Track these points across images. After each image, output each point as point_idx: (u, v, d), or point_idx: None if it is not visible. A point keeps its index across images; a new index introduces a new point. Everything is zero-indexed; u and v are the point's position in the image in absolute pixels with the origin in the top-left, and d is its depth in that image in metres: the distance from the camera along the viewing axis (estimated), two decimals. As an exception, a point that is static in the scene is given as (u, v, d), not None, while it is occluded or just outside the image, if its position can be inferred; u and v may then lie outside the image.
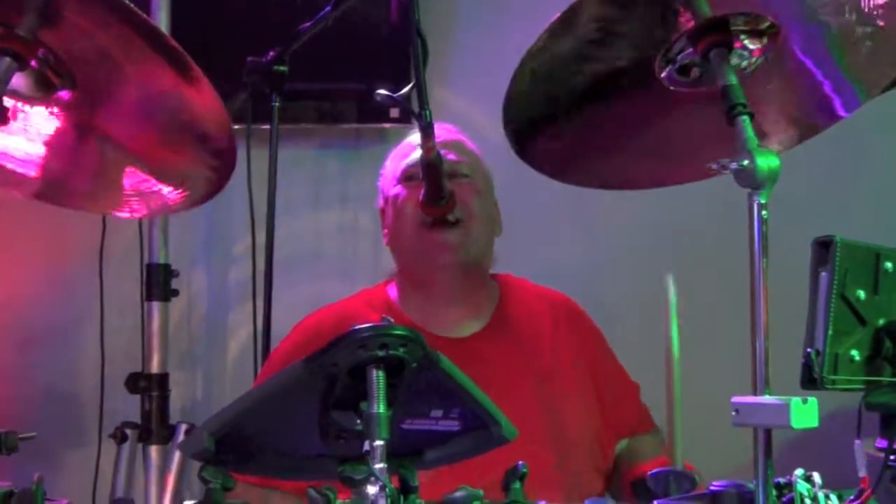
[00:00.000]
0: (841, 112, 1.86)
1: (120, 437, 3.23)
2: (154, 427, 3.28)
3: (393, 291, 2.66)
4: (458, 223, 2.50)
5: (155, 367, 3.33)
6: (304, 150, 3.56)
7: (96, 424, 3.38)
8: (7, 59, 1.59)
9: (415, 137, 2.46)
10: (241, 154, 3.11)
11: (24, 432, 1.63)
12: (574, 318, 2.67)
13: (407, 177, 2.57)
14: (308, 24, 2.87)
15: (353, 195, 3.60)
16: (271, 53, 3.01)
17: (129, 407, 3.30)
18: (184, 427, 3.24)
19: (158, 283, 3.35)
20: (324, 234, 3.61)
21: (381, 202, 2.68)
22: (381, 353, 1.48)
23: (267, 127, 3.05)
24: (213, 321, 3.57)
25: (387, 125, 3.55)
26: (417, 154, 2.43)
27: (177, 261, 3.38)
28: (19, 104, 1.76)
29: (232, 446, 1.56)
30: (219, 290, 3.57)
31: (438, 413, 1.61)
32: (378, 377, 1.48)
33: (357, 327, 1.48)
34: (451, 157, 2.55)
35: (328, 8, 2.77)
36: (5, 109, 1.61)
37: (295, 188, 3.45)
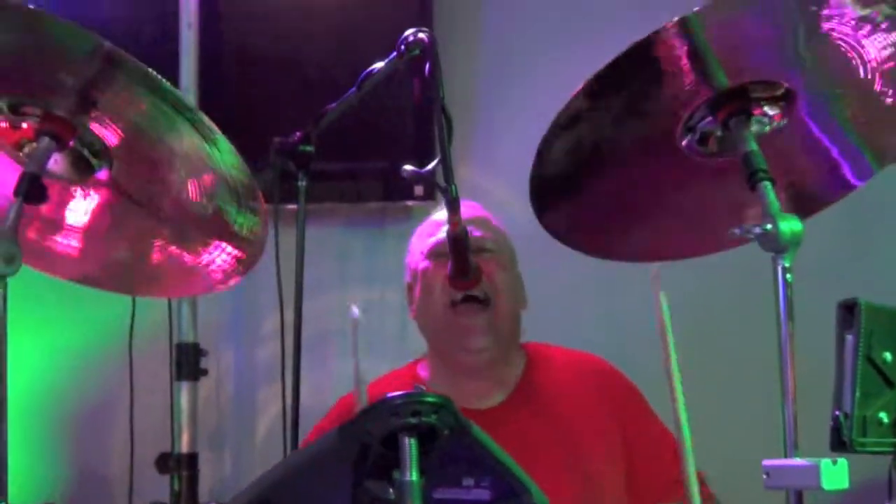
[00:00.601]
0: (854, 181, 1.89)
1: (150, 518, 3.23)
2: (184, 507, 3.28)
3: (423, 370, 2.69)
4: (487, 302, 2.54)
5: (184, 447, 3.34)
6: (330, 228, 3.59)
7: (126, 504, 3.39)
8: (46, 140, 1.63)
9: (440, 215, 2.51)
10: (269, 234, 3.18)
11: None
12: (604, 380, 2.66)
13: (435, 253, 2.60)
14: (333, 104, 2.91)
15: (379, 273, 3.63)
16: (298, 134, 3.05)
17: (159, 487, 3.31)
18: (213, 507, 3.25)
19: (188, 362, 3.37)
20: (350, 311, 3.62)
21: (408, 277, 2.71)
22: (413, 421, 1.49)
23: (293, 207, 3.07)
24: (242, 400, 3.59)
25: (411, 203, 3.59)
26: (444, 231, 2.44)
27: (205, 340, 3.40)
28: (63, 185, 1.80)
29: (266, 517, 1.57)
30: (247, 369, 3.59)
31: (470, 482, 1.62)
32: (411, 445, 1.49)
33: (389, 395, 1.49)
34: (477, 233, 2.58)
35: (353, 89, 2.81)
36: (44, 188, 1.65)
37: (322, 267, 3.48)
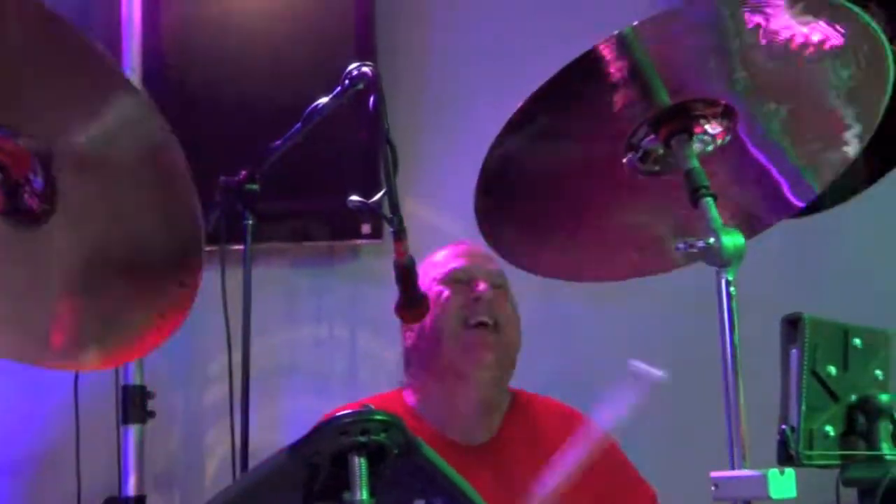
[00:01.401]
0: (796, 202, 1.91)
1: (98, 563, 3.19)
2: (133, 551, 3.24)
3: (409, 397, 2.72)
4: (497, 327, 2.61)
5: (132, 490, 3.30)
6: (277, 268, 3.59)
7: (74, 551, 3.33)
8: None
9: (455, 247, 2.71)
10: (215, 274, 3.16)
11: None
12: (583, 433, 2.71)
13: (453, 279, 2.67)
14: (278, 142, 2.91)
15: (327, 311, 3.62)
16: (243, 173, 3.04)
17: (106, 532, 3.27)
18: (162, 550, 3.21)
19: (134, 404, 3.34)
20: (299, 350, 3.62)
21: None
22: (362, 439, 1.49)
23: (239, 247, 3.06)
24: (190, 441, 3.55)
25: (359, 241, 3.59)
26: (466, 261, 2.66)
27: (152, 382, 3.37)
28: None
29: (216, 542, 1.55)
30: (195, 410, 3.56)
31: (420, 502, 1.62)
32: (360, 464, 1.49)
33: (338, 413, 1.49)
34: (492, 266, 2.67)
35: (298, 125, 2.81)
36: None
37: (269, 306, 3.46)
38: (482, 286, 2.64)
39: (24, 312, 1.89)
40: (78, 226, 1.80)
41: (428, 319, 2.66)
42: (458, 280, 2.66)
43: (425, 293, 2.40)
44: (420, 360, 2.71)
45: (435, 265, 2.77)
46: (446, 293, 2.66)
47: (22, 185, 1.74)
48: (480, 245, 2.67)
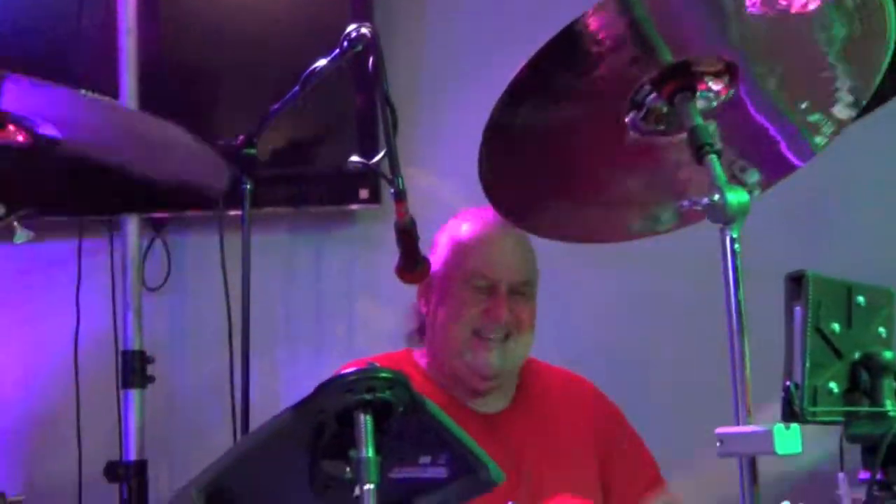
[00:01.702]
0: (795, 161, 1.91)
1: (100, 527, 3.20)
2: (134, 515, 3.25)
3: (422, 360, 2.71)
4: (508, 339, 2.59)
5: (133, 455, 3.31)
6: (275, 233, 3.58)
7: (75, 514, 3.35)
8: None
9: (493, 228, 2.62)
10: (214, 239, 3.16)
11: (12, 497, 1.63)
12: (590, 402, 2.74)
13: (474, 285, 2.61)
14: (276, 105, 2.90)
15: (324, 275, 3.62)
16: (240, 137, 3.03)
17: (108, 496, 3.27)
18: (163, 514, 3.22)
19: (134, 370, 3.34)
20: (297, 314, 3.62)
21: (435, 270, 2.56)
22: (368, 397, 1.49)
23: (237, 213, 3.05)
24: (190, 406, 3.56)
25: (356, 206, 3.58)
26: (491, 266, 2.60)
27: (152, 347, 3.38)
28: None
29: (222, 501, 1.56)
30: (195, 375, 3.56)
31: (426, 459, 1.62)
32: (366, 421, 1.50)
33: (343, 371, 1.49)
34: (519, 277, 2.63)
35: (296, 88, 2.80)
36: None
37: (267, 271, 3.47)
38: (501, 301, 2.59)
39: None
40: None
41: (441, 312, 2.64)
42: (478, 287, 2.60)
43: (426, 256, 2.40)
44: (431, 338, 2.70)
45: (458, 248, 2.67)
46: (463, 296, 2.62)
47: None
48: (517, 236, 2.65)
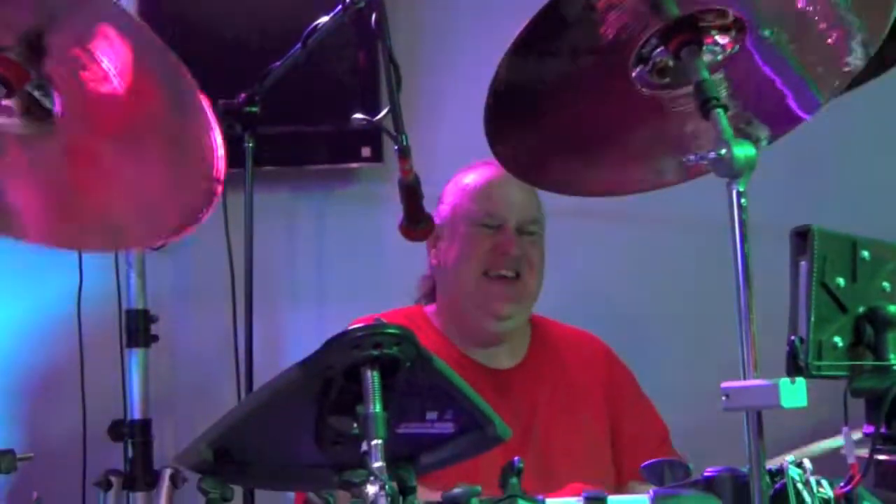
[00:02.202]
0: (800, 113, 1.90)
1: (105, 486, 3.20)
2: (138, 474, 3.25)
3: (433, 316, 2.74)
4: (518, 277, 2.61)
5: (137, 414, 3.31)
6: (276, 192, 3.57)
7: (80, 473, 3.35)
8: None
9: (491, 170, 2.63)
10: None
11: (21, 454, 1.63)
12: (601, 359, 2.75)
13: (481, 224, 2.64)
14: (278, 62, 2.89)
15: (328, 233, 3.62)
16: (242, 95, 3.02)
17: (112, 454, 3.28)
18: (168, 472, 3.22)
19: (138, 328, 3.34)
20: (300, 273, 3.62)
21: (439, 220, 2.63)
22: (375, 353, 1.50)
23: (239, 171, 3.05)
24: (195, 364, 3.57)
25: (358, 165, 3.58)
26: (497, 203, 2.63)
27: (155, 306, 3.37)
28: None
29: (230, 456, 1.57)
30: (199, 334, 3.56)
31: (433, 415, 1.63)
32: (373, 377, 1.50)
33: (350, 328, 1.50)
34: (526, 214, 2.66)
35: (298, 46, 2.79)
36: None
37: (270, 230, 3.46)
38: (510, 237, 2.62)
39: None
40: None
41: (451, 255, 2.65)
42: (485, 225, 2.63)
43: (429, 213, 2.41)
44: (443, 288, 2.71)
45: (465, 192, 2.71)
46: (472, 236, 2.64)
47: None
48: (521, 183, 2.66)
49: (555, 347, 2.73)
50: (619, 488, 2.62)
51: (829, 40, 1.79)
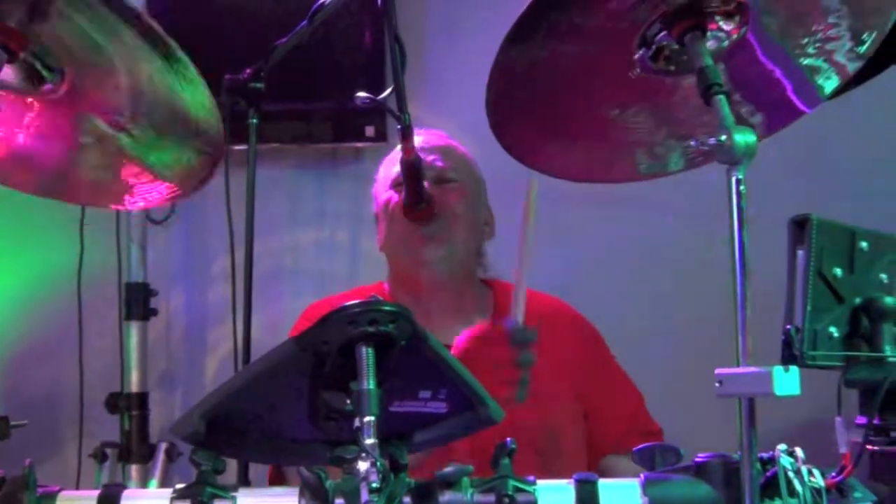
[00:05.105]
0: (801, 107, 1.90)
1: (100, 457, 3.22)
2: (134, 446, 3.27)
3: (388, 291, 2.72)
4: (440, 218, 2.54)
5: (134, 387, 3.33)
6: (280, 170, 3.58)
7: (76, 444, 3.37)
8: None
9: (416, 143, 2.51)
10: (218, 174, 3.15)
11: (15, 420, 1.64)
12: (570, 325, 2.70)
13: (398, 182, 2.58)
14: (284, 39, 2.89)
15: (330, 213, 3.63)
16: (247, 71, 3.02)
17: (109, 427, 3.30)
18: (164, 446, 3.24)
19: (137, 302, 3.35)
20: (301, 251, 3.63)
21: (375, 207, 2.71)
22: (370, 330, 1.50)
23: (242, 148, 3.05)
24: (193, 340, 3.58)
25: (362, 144, 3.58)
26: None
27: (155, 280, 3.38)
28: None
29: (223, 429, 1.57)
30: (198, 309, 3.57)
31: (426, 394, 1.63)
32: (368, 353, 1.50)
33: (347, 304, 1.50)
34: (439, 163, 2.61)
35: (304, 22, 2.79)
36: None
37: (272, 207, 3.47)
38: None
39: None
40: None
41: (382, 224, 2.65)
42: (400, 185, 2.55)
43: (432, 195, 2.41)
44: (388, 257, 2.70)
45: (386, 165, 2.71)
46: (395, 198, 2.59)
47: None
48: (440, 135, 2.67)
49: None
50: (594, 463, 2.60)
51: (829, 32, 1.79)
